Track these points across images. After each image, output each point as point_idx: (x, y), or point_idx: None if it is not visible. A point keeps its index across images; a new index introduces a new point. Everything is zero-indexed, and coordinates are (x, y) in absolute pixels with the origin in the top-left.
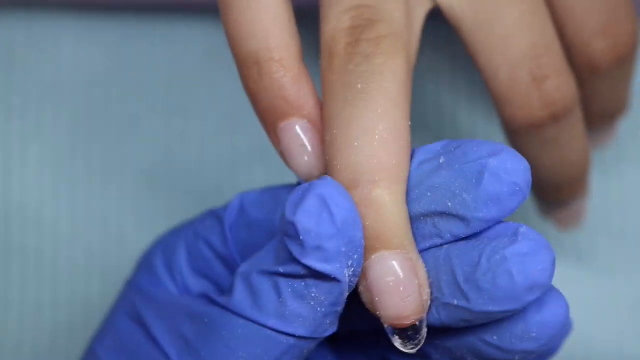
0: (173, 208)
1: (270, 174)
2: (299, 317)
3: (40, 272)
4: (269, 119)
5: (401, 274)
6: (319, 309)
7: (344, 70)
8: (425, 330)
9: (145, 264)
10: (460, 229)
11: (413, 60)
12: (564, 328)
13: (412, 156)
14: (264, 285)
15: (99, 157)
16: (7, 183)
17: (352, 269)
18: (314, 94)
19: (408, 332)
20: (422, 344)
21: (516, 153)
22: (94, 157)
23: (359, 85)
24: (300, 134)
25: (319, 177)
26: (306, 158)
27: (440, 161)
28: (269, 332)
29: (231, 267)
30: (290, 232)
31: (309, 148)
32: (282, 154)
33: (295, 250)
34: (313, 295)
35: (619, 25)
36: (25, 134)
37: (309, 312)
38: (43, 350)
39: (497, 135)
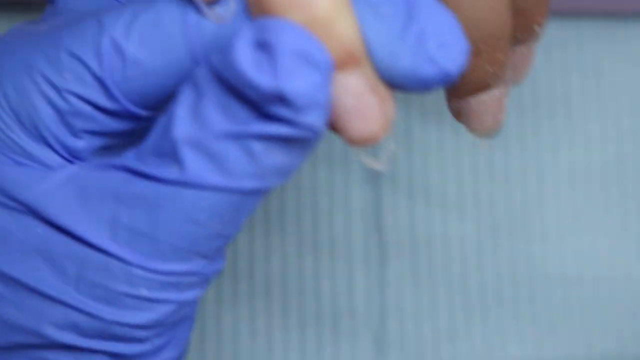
0: None
1: None
2: (275, 172)
3: None
4: None
5: (359, 92)
6: (299, 157)
7: None
8: (392, 146)
9: None
10: None
11: None
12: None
13: None
14: (230, 148)
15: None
16: None
17: None
18: None
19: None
20: (389, 162)
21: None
22: None
23: None
24: None
25: None
26: None
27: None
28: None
29: (116, 115)
30: (271, 98)
31: None
32: None
33: (282, 113)
34: (294, 146)
35: None
36: None
37: (287, 164)
38: None
39: None
